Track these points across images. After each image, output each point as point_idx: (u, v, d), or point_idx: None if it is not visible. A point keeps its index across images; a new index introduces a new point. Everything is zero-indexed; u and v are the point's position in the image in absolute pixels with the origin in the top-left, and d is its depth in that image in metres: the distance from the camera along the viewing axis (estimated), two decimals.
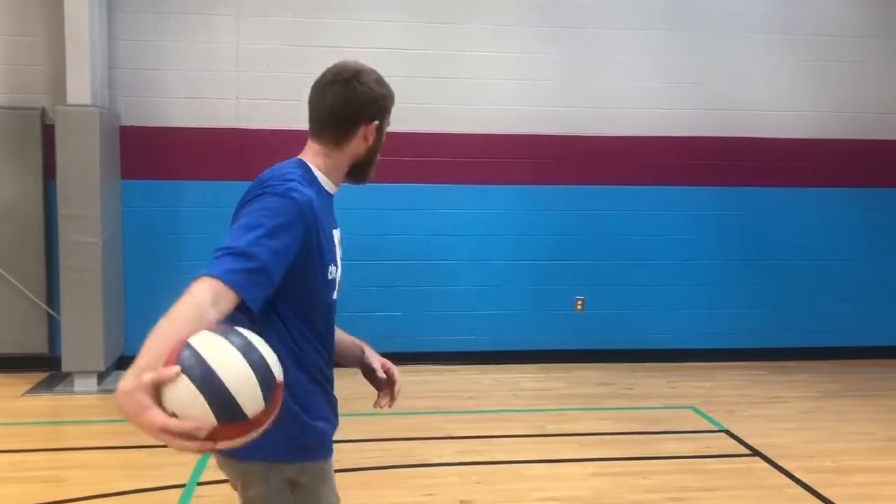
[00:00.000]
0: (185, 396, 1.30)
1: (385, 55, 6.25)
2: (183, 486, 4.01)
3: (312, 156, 1.90)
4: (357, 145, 1.90)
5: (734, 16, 6.56)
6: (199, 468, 4.22)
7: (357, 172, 1.97)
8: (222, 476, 3.90)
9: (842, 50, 6.68)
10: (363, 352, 2.13)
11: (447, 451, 4.55)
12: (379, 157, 1.99)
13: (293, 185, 1.73)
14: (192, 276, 1.59)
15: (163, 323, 1.43)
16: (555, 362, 6.47)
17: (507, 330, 6.54)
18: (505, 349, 6.52)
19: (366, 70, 1.91)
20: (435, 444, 4.68)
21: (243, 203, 1.77)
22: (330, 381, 1.95)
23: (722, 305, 6.69)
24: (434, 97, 6.32)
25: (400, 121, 6.86)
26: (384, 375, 2.11)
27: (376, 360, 2.11)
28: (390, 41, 6.24)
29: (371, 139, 1.91)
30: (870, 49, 6.71)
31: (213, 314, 1.50)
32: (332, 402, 1.98)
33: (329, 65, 1.98)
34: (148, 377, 1.30)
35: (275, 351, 1.45)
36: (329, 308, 1.90)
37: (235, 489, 1.94)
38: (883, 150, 6.76)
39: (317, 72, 2.04)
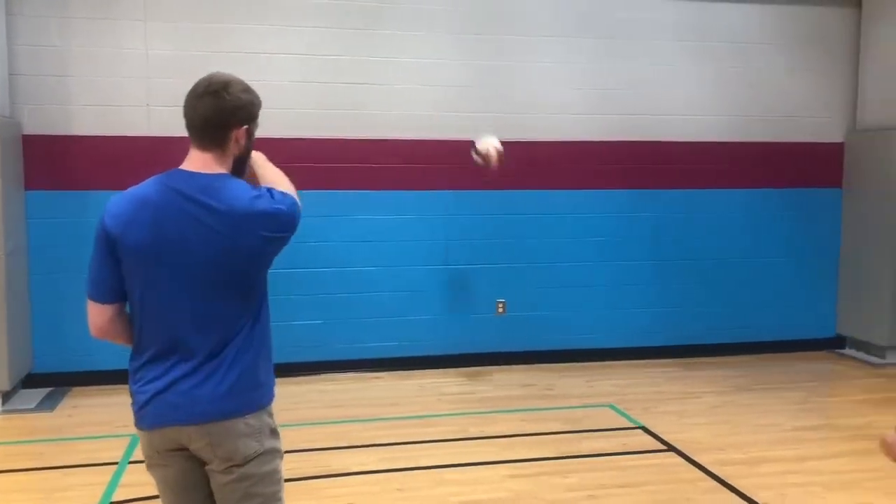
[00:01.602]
0: None
1: (298, 61, 6.22)
2: None
3: (215, 164, 2.12)
4: (232, 148, 2.14)
5: (644, 23, 6.74)
6: (111, 490, 4.08)
7: (235, 172, 2.18)
8: (135, 495, 3.78)
9: (747, 57, 6.95)
10: None
11: (368, 460, 4.52)
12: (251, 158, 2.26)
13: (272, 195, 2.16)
14: None
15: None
16: (477, 366, 6.51)
17: (429, 335, 6.55)
18: (428, 354, 6.52)
19: (234, 81, 2.13)
20: (355, 452, 4.64)
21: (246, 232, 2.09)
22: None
23: (637, 305, 6.86)
24: (348, 103, 6.29)
25: (315, 127, 6.86)
26: None
27: None
28: (303, 47, 6.18)
29: (242, 141, 2.15)
30: (773, 56, 7.00)
31: None
32: None
33: (242, 70, 2.27)
34: None
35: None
36: None
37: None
38: (785, 152, 7.06)
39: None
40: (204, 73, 2.21)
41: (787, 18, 7.02)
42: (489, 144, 5.54)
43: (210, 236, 2.04)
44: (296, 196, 2.22)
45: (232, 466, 2.11)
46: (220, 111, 2.08)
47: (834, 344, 7.23)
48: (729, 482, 4.22)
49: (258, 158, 2.32)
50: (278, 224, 2.12)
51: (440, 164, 6.47)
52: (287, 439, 4.80)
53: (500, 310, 6.68)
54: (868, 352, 6.91)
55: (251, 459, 2.12)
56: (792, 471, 4.42)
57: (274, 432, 2.21)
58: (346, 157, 6.32)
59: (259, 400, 2.17)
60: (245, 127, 2.13)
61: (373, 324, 6.45)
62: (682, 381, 6.27)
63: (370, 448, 4.71)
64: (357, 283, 6.40)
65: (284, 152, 6.07)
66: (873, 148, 6.91)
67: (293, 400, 5.57)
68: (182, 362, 2.08)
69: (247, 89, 2.14)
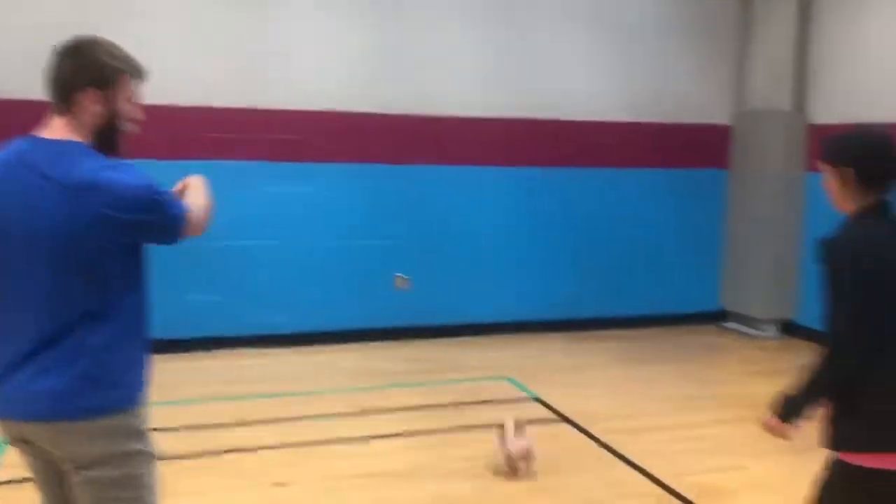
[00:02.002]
0: None
1: (196, 26, 5.97)
2: None
3: (68, 131, 1.96)
4: (86, 115, 1.97)
5: (544, 3, 6.82)
6: None
7: (103, 144, 2.01)
8: (19, 476, 3.59)
9: (641, 40, 7.14)
10: None
11: (264, 435, 4.44)
12: (128, 129, 2.08)
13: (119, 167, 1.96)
14: None
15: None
16: (376, 341, 6.50)
17: (327, 310, 6.48)
18: (325, 329, 6.46)
19: (101, 43, 2.00)
20: (250, 428, 4.56)
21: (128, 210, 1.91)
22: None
23: (536, 279, 6.99)
24: (248, 73, 6.10)
25: (210, 96, 6.61)
26: None
27: None
28: (202, 11, 5.95)
29: (96, 108, 1.97)
30: (664, 39, 7.22)
31: None
32: None
33: (120, 31, 2.24)
34: None
35: None
36: None
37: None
38: (675, 133, 7.32)
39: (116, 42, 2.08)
40: (69, 32, 2.08)
41: (679, 3, 7.25)
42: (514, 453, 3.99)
43: (51, 209, 1.85)
44: (198, 208, 2.15)
45: (78, 468, 1.94)
46: (71, 72, 1.94)
47: (718, 317, 7.59)
48: (616, 449, 4.38)
49: (195, 181, 2.28)
50: (125, 201, 1.88)
51: (343, 137, 6.38)
52: (180, 416, 4.72)
53: (399, 284, 6.68)
54: (748, 325, 7.30)
55: (100, 463, 1.93)
56: (675, 437, 4.62)
57: (137, 434, 2.00)
58: (244, 128, 6.13)
59: (115, 403, 1.96)
60: (99, 91, 1.95)
61: (270, 299, 6.33)
62: (576, 353, 6.46)
63: (265, 424, 4.64)
64: (253, 258, 6.26)
65: (177, 121, 5.92)
66: (757, 130, 7.25)
67: (187, 376, 5.41)
68: (20, 350, 1.90)
69: (112, 54, 1.99)
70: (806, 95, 7.07)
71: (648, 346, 6.75)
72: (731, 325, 7.49)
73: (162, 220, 2.01)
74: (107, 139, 2.01)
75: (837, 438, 2.20)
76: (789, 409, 2.23)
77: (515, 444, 3.94)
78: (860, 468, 2.15)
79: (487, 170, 6.79)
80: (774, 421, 2.26)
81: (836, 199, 2.31)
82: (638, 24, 7.12)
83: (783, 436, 2.28)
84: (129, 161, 2.03)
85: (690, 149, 7.43)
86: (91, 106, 1.96)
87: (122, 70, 2.01)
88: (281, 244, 6.33)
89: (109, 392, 1.94)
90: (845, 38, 6.72)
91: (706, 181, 7.56)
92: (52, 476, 2.03)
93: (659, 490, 3.89)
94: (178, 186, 2.29)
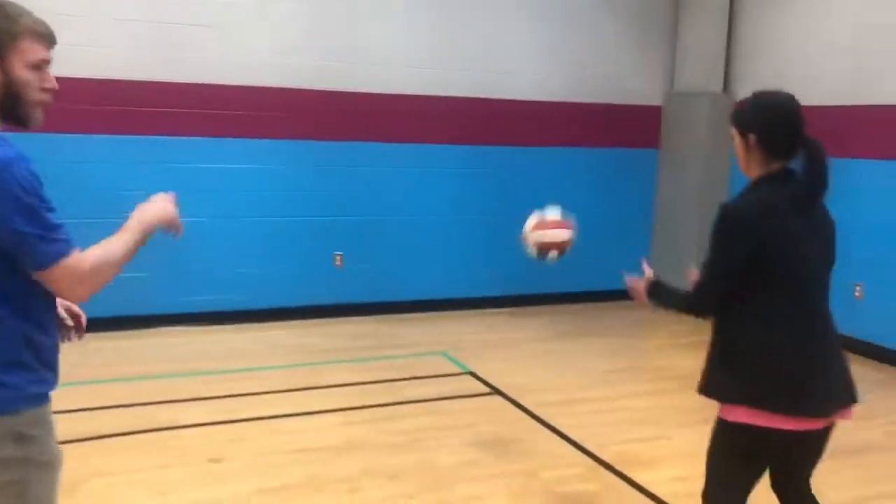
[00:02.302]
0: None
1: (134, 4, 5.84)
2: None
3: None
4: None
5: None
6: None
7: (8, 116, 1.85)
8: None
9: (578, 22, 7.26)
10: None
11: (198, 412, 4.44)
12: (41, 97, 1.88)
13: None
14: None
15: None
16: (314, 318, 6.52)
17: (265, 288, 6.47)
18: (264, 307, 6.45)
19: None
20: (185, 405, 4.56)
21: None
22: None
23: (470, 258, 7.10)
24: (186, 46, 6.00)
25: (133, 69, 6.47)
26: (65, 314, 2.14)
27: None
28: None
29: None
30: (600, 22, 7.35)
31: None
32: None
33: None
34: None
35: None
36: None
37: None
38: (609, 113, 7.48)
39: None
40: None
41: None
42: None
43: None
44: (98, 260, 1.89)
45: None
46: None
47: None
48: (547, 421, 4.52)
49: (156, 207, 2.18)
50: None
51: (281, 113, 6.34)
52: (113, 395, 4.67)
53: (338, 262, 6.70)
54: None
55: None
56: (603, 409, 4.80)
57: (20, 438, 1.82)
58: (178, 103, 6.04)
59: None
60: None
61: (205, 277, 6.28)
62: (510, 329, 6.60)
63: (201, 401, 4.64)
64: (188, 234, 6.14)
65: (100, 95, 5.79)
66: (687, 111, 7.47)
67: (120, 354, 5.37)
68: None
69: (6, 14, 1.80)
70: (733, 79, 7.32)
71: (580, 321, 6.93)
72: None
73: (21, 228, 1.74)
74: (10, 111, 1.84)
75: (717, 388, 2.34)
76: (653, 292, 2.52)
77: (552, 233, 3.46)
78: (736, 422, 2.28)
79: (424, 147, 6.84)
80: (640, 287, 2.54)
81: (742, 164, 2.39)
82: (575, 6, 7.23)
83: (636, 297, 2.59)
84: (8, 136, 1.83)
85: (624, 129, 7.61)
86: None
87: (17, 33, 1.81)
88: (215, 221, 6.27)
89: None
90: (772, 24, 6.97)
91: (638, 160, 7.75)
92: None
93: (587, 459, 4.05)
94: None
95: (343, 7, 6.45)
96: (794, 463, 2.46)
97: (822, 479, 3.87)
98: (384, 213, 6.77)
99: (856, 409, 5.02)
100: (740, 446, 2.32)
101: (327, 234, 6.62)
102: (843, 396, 2.34)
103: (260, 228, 6.41)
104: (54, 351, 1.95)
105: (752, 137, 2.31)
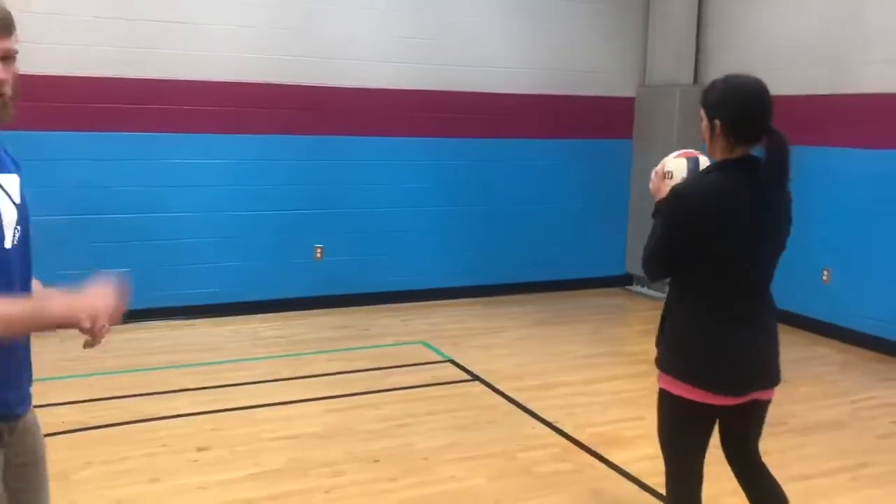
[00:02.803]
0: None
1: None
2: None
3: None
4: None
5: None
6: None
7: None
8: None
9: (550, 14, 7.38)
10: None
11: (182, 404, 4.53)
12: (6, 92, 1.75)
13: None
14: None
15: None
16: (295, 310, 6.60)
17: (246, 281, 6.54)
18: (245, 300, 6.52)
19: None
20: (169, 397, 4.63)
21: None
22: None
23: (449, 248, 7.22)
24: (164, 43, 6.05)
25: (119, 66, 6.50)
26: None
27: None
28: None
29: None
30: (572, 15, 7.48)
31: None
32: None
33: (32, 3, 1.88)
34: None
35: None
36: None
37: None
38: (582, 105, 7.62)
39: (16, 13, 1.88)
40: None
41: None
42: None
43: None
44: None
45: None
46: None
47: (624, 281, 7.99)
48: (525, 405, 4.65)
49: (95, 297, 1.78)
50: None
51: (260, 108, 6.40)
52: (96, 388, 4.73)
53: (318, 255, 6.78)
54: (651, 287, 7.71)
55: None
56: (580, 392, 4.94)
57: None
58: (161, 99, 6.09)
59: None
60: None
61: (186, 271, 6.34)
62: (489, 317, 6.72)
63: (183, 392, 4.72)
64: (169, 230, 6.25)
65: (83, 91, 5.83)
66: (659, 102, 7.61)
67: (102, 348, 5.39)
68: None
69: None
70: (704, 71, 7.47)
71: (557, 309, 7.07)
72: (635, 287, 7.90)
73: None
74: None
75: (659, 358, 2.49)
76: (657, 209, 2.50)
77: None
78: (667, 391, 2.44)
79: (400, 140, 6.94)
80: (664, 191, 2.51)
81: (708, 146, 2.45)
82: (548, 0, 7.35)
83: (654, 191, 2.59)
84: None
85: (598, 120, 7.75)
86: None
87: None
88: (196, 216, 6.33)
89: None
90: (741, 15, 7.13)
91: (613, 151, 7.89)
92: None
93: (564, 440, 4.18)
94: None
95: (316, 2, 6.52)
96: (728, 431, 2.58)
97: (790, 452, 4.07)
98: (363, 205, 6.86)
99: (823, 388, 5.22)
100: (676, 414, 2.45)
101: (307, 227, 6.71)
102: (765, 378, 2.46)
103: (240, 222, 6.48)
104: None
105: (717, 123, 2.35)
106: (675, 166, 2.61)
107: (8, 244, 1.80)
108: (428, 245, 7.14)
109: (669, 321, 2.48)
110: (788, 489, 3.62)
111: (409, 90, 6.87)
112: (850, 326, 6.19)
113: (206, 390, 4.77)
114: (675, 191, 2.37)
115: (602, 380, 5.18)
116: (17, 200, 1.85)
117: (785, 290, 6.72)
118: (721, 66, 7.26)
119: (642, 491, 3.59)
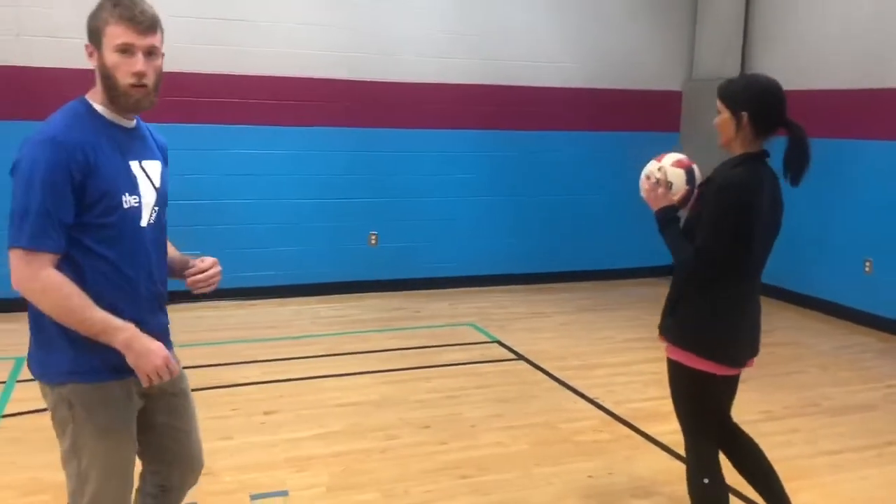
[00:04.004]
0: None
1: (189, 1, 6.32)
2: None
3: (91, 88, 2.09)
4: (96, 69, 2.05)
5: None
6: (1, 405, 4.31)
7: (112, 101, 2.06)
8: (27, 408, 4.10)
9: (597, 10, 7.61)
10: (188, 263, 2.38)
11: (252, 374, 4.94)
12: (131, 82, 2.01)
13: (42, 139, 1.95)
14: None
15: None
16: (350, 293, 6.99)
17: (305, 265, 6.95)
18: (304, 283, 6.93)
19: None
20: (240, 367, 5.06)
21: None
22: (118, 311, 2.04)
23: (497, 236, 7.53)
24: (228, 40, 6.47)
25: (194, 62, 6.93)
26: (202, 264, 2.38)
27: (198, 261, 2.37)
28: None
29: (95, 59, 2.04)
30: (620, 8, 7.69)
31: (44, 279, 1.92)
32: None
33: None
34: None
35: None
36: (128, 235, 2.08)
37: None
38: (630, 98, 7.83)
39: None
40: (77, 3, 2.26)
41: None
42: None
43: None
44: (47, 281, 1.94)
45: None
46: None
47: (668, 271, 8.16)
48: (567, 382, 4.95)
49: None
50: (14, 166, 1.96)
51: (318, 102, 6.79)
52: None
53: (373, 241, 7.15)
54: None
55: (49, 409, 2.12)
56: (619, 373, 5.20)
57: (70, 405, 2.06)
58: (226, 93, 6.52)
59: (43, 377, 2.09)
60: (87, 45, 2.04)
61: (251, 254, 6.77)
62: (535, 303, 7.01)
63: (250, 364, 5.13)
64: (236, 216, 6.68)
65: (164, 85, 6.26)
66: (705, 96, 7.74)
67: (178, 325, 5.84)
68: None
69: (96, 6, 2.03)
70: (751, 65, 7.61)
71: (601, 297, 7.32)
72: None
73: (13, 197, 1.95)
74: (109, 97, 2.04)
75: (671, 332, 2.70)
76: (668, 216, 2.66)
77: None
78: (680, 363, 2.66)
79: (451, 133, 7.26)
80: (659, 197, 2.68)
81: (726, 139, 2.61)
82: None
83: (650, 200, 2.73)
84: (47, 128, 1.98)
85: (645, 113, 7.94)
86: (90, 57, 2.04)
87: (102, 21, 1.98)
88: (260, 203, 6.75)
89: (39, 367, 2.11)
90: (788, 8, 7.25)
91: (660, 143, 7.96)
92: None
93: (603, 414, 4.46)
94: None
95: (372, 2, 6.86)
96: (722, 399, 2.84)
97: (820, 430, 4.29)
98: (415, 195, 7.21)
99: (859, 374, 5.41)
100: (697, 386, 2.67)
101: (362, 214, 7.08)
102: (755, 349, 2.75)
103: (300, 210, 6.89)
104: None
105: (744, 115, 2.53)
106: (675, 176, 2.69)
107: (144, 223, 2.15)
108: (476, 233, 7.45)
109: (688, 301, 2.65)
110: (815, 462, 3.90)
111: (459, 84, 7.19)
112: (892, 316, 6.31)
113: (273, 362, 5.18)
114: (731, 185, 2.49)
115: (641, 361, 5.42)
116: (158, 185, 2.21)
117: (827, 279, 6.93)
118: (768, 59, 7.41)
119: (673, 458, 3.85)
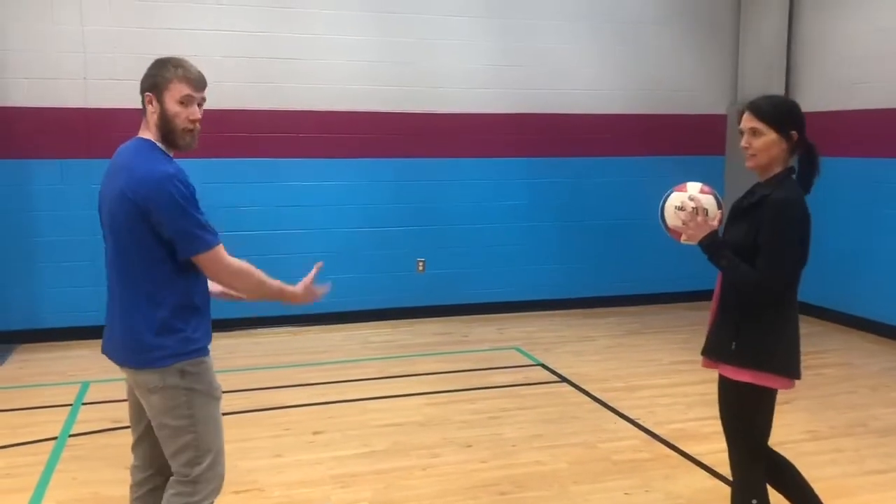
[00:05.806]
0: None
1: (229, 37, 6.65)
2: (55, 438, 4.37)
3: (142, 128, 2.54)
4: (149, 114, 2.51)
5: (547, 3, 7.42)
6: (69, 426, 4.58)
7: (167, 141, 2.51)
8: (91, 429, 4.36)
9: (638, 36, 7.72)
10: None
11: (302, 396, 5.14)
12: (187, 126, 2.49)
13: (166, 175, 2.40)
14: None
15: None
16: (399, 318, 7.17)
17: (355, 292, 7.15)
18: (354, 309, 7.14)
19: (168, 58, 2.52)
20: (291, 390, 5.26)
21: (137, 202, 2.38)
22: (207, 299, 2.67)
23: (542, 262, 7.63)
24: (279, 77, 6.78)
25: (245, 99, 7.26)
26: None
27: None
28: (235, 24, 6.63)
29: (150, 107, 2.49)
30: (661, 34, 7.79)
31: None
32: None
33: (173, 47, 2.61)
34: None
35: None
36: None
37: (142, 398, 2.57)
38: (674, 123, 7.89)
39: (161, 53, 2.64)
40: (139, 47, 2.69)
41: None
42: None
43: (108, 190, 2.48)
44: (241, 266, 2.57)
45: (144, 392, 2.52)
46: (142, 80, 2.52)
47: (710, 295, 8.12)
48: (609, 403, 5.00)
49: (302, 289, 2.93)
50: (136, 182, 2.36)
51: (367, 134, 7.05)
52: (227, 383, 5.38)
53: (420, 268, 7.33)
54: None
55: (154, 392, 2.48)
56: (663, 394, 5.23)
57: (184, 373, 2.49)
58: (274, 128, 6.82)
59: (151, 363, 2.45)
60: (150, 94, 2.47)
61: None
62: (581, 327, 7.07)
63: (302, 387, 5.33)
64: (289, 245, 6.94)
65: (217, 123, 6.61)
66: None
67: (229, 350, 6.12)
68: (111, 303, 2.57)
69: (157, 64, 2.49)
70: (795, 88, 7.60)
71: (648, 321, 7.33)
72: None
73: (176, 221, 2.38)
74: (166, 137, 2.49)
75: (742, 358, 2.68)
76: (714, 242, 2.71)
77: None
78: (741, 382, 2.68)
79: (496, 161, 7.43)
80: (702, 227, 2.72)
81: (767, 158, 2.62)
82: (637, 20, 7.70)
83: (690, 233, 2.77)
84: (170, 166, 2.43)
85: (690, 137, 7.98)
86: (148, 106, 2.48)
87: (156, 77, 2.46)
88: (311, 233, 7.00)
89: (143, 354, 2.49)
90: (831, 32, 7.25)
91: (706, 167, 8.06)
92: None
93: (643, 434, 4.51)
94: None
95: (415, 37, 7.10)
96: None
97: (865, 451, 4.27)
98: (462, 222, 7.38)
99: None
100: (761, 403, 2.72)
101: (410, 242, 7.28)
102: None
103: (348, 238, 7.11)
104: (204, 320, 2.60)
105: (794, 135, 2.61)
106: (707, 203, 2.77)
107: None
108: (522, 259, 7.57)
109: (754, 320, 2.66)
110: (859, 481, 3.90)
111: (502, 114, 7.37)
112: None
113: (321, 385, 5.37)
114: (793, 201, 2.56)
115: (683, 384, 5.43)
116: None
117: (878, 300, 6.81)
118: (811, 81, 7.40)
119: (712, 477, 3.88)
